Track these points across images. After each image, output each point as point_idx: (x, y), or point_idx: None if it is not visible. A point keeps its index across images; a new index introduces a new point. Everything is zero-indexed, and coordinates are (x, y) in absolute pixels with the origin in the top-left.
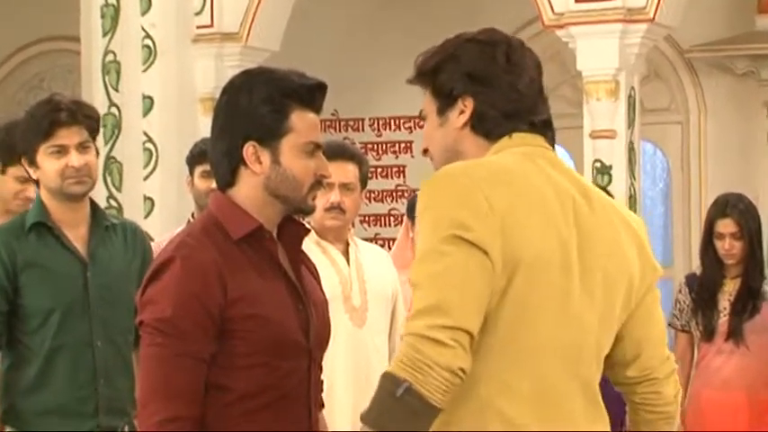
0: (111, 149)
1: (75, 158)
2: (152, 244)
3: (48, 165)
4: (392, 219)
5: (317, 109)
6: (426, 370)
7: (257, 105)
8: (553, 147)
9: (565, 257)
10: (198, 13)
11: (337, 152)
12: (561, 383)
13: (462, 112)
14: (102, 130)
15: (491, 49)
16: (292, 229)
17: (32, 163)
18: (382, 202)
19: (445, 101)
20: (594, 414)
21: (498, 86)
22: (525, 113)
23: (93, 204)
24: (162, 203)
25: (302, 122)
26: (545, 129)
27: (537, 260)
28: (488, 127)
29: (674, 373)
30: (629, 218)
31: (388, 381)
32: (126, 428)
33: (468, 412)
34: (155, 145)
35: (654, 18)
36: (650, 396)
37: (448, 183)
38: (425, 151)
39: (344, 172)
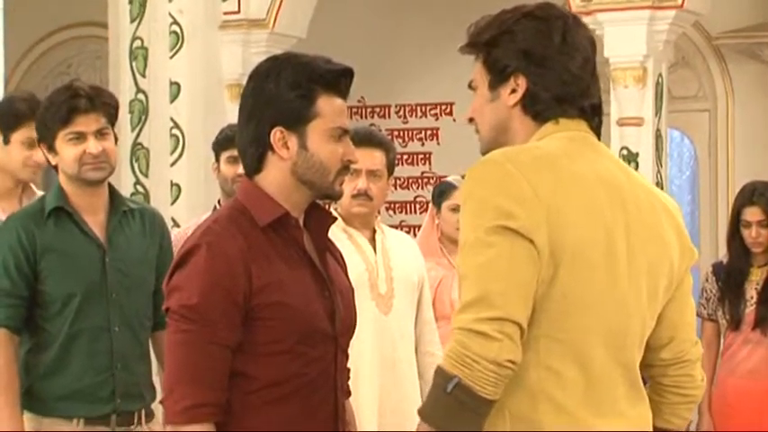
0: (138, 135)
1: (93, 145)
2: (178, 230)
3: (66, 151)
4: (418, 206)
5: (343, 94)
6: (473, 365)
7: (284, 91)
8: (598, 132)
9: (610, 243)
10: (225, 0)
11: (365, 139)
12: (606, 369)
13: (514, 90)
14: (129, 116)
15: (547, 26)
16: (319, 217)
17: (51, 149)
18: (408, 189)
19: (498, 76)
20: (636, 397)
21: (552, 67)
22: (577, 98)
23: (112, 189)
24: (189, 189)
25: (329, 107)
26: (593, 114)
27: (582, 246)
28: (539, 109)
29: (701, 357)
30: (667, 202)
31: (440, 376)
32: (143, 412)
33: (517, 400)
34: (181, 131)
35: (682, 5)
36: (682, 379)
37: (492, 170)
38: (471, 120)
39: (372, 159)
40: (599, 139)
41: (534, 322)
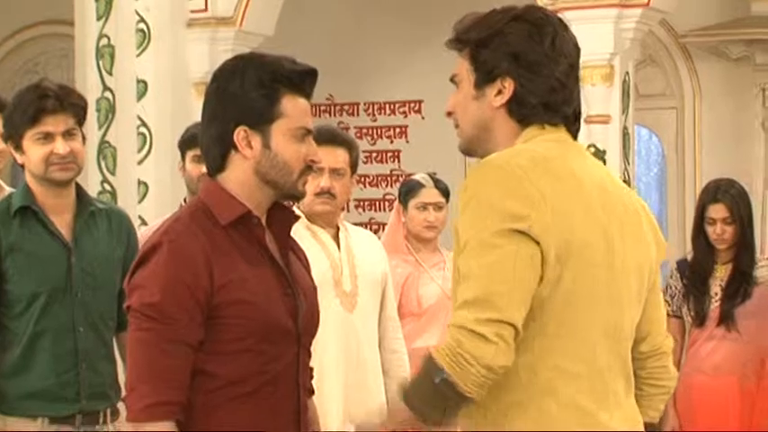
0: (104, 134)
1: (60, 146)
2: (145, 228)
3: (33, 151)
4: (387, 204)
5: (307, 94)
6: (465, 365)
7: (248, 90)
8: (575, 137)
9: (608, 243)
10: None
11: (327, 137)
12: (608, 363)
13: (500, 92)
14: (96, 114)
15: (538, 30)
16: (281, 216)
17: (18, 148)
18: (377, 186)
19: (485, 76)
20: (629, 389)
21: (541, 73)
22: (561, 105)
23: (80, 189)
24: (156, 188)
25: (293, 107)
26: (575, 121)
27: (584, 246)
28: (525, 113)
29: (672, 349)
30: (640, 201)
31: (430, 365)
32: (108, 412)
33: (527, 396)
34: (149, 129)
35: (648, 3)
36: (658, 370)
37: (498, 173)
38: (449, 114)
39: (334, 157)
40: (576, 140)
41: (540, 320)
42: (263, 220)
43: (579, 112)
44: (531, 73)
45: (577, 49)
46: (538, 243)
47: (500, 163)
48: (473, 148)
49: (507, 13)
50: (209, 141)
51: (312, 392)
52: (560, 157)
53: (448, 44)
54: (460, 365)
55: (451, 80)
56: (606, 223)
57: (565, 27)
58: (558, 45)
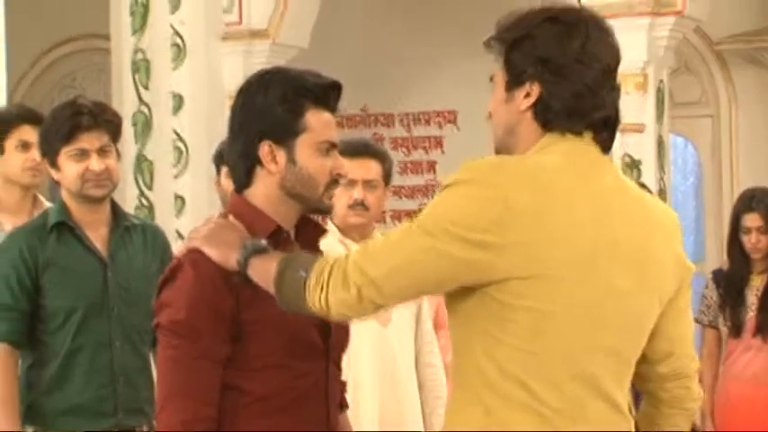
0: (141, 148)
1: (95, 162)
2: (182, 243)
3: (68, 168)
4: None
5: (332, 108)
6: (317, 286)
7: (272, 105)
8: (609, 144)
9: (590, 261)
10: (227, 11)
11: (359, 149)
12: (582, 391)
13: (528, 95)
14: (132, 129)
15: (568, 32)
16: (309, 230)
17: (54, 165)
18: (412, 198)
19: (514, 79)
20: (617, 411)
21: (568, 77)
22: (589, 111)
23: (114, 205)
24: (193, 202)
25: (317, 121)
26: (605, 127)
27: (558, 268)
28: (549, 117)
29: (698, 371)
30: (665, 215)
31: (311, 260)
32: (144, 428)
33: (493, 401)
34: (185, 143)
35: (682, 11)
36: (680, 392)
37: (475, 174)
38: (490, 116)
39: (367, 169)
40: (608, 150)
41: (502, 330)
42: (292, 235)
43: (615, 120)
44: (558, 77)
45: (616, 54)
46: (488, 253)
47: (479, 176)
48: (502, 152)
49: (541, 13)
50: (235, 157)
51: (345, 407)
52: (556, 170)
53: (486, 44)
54: (317, 281)
55: (491, 79)
56: (592, 242)
57: (602, 29)
58: (588, 49)
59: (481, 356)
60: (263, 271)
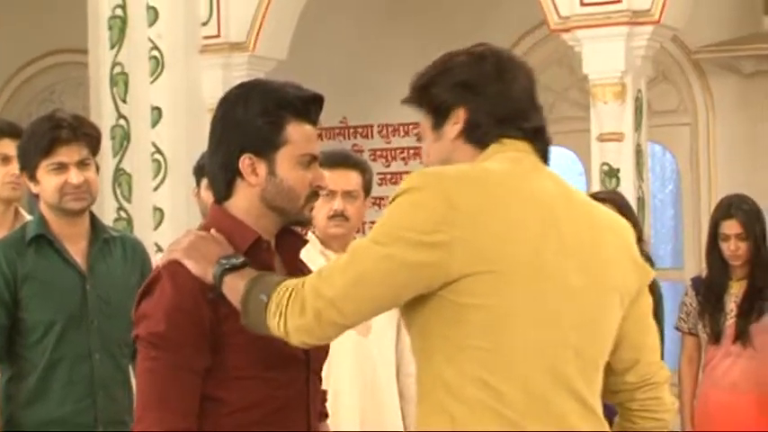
0: (120, 161)
1: (74, 176)
2: (161, 255)
3: (47, 181)
4: None
5: (312, 121)
6: (277, 313)
7: (253, 117)
8: (544, 155)
9: (537, 260)
10: (205, 24)
11: (339, 160)
12: (548, 386)
13: (456, 123)
14: (110, 142)
15: (480, 59)
16: (289, 241)
17: (32, 178)
18: None
19: (439, 114)
20: (588, 416)
21: (489, 94)
22: (516, 119)
23: (93, 218)
24: (172, 214)
25: (298, 134)
26: (536, 136)
27: (505, 262)
28: (479, 134)
29: (669, 380)
30: (614, 220)
31: (272, 283)
32: None
33: (459, 409)
34: (163, 156)
35: (659, 20)
36: (650, 402)
37: (418, 182)
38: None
39: (347, 180)
40: (546, 162)
41: (459, 332)
42: (272, 245)
43: (543, 129)
44: (479, 95)
45: (530, 78)
46: (439, 252)
47: (422, 183)
48: None
49: (451, 54)
50: (216, 168)
51: (325, 416)
52: (505, 174)
53: (404, 102)
54: (276, 307)
55: (418, 139)
56: (539, 241)
57: (513, 58)
58: (502, 68)
59: (442, 363)
60: (234, 289)
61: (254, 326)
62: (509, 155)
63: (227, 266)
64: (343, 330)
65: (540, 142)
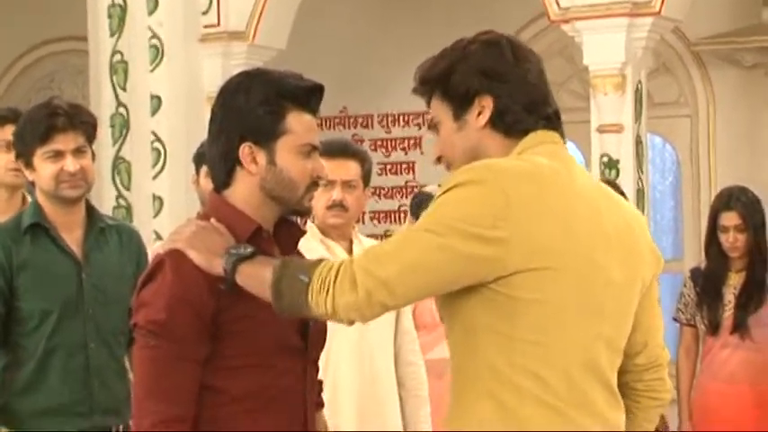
0: (119, 149)
1: (70, 163)
2: (160, 243)
3: (43, 169)
4: (402, 215)
5: (313, 110)
6: (322, 290)
7: (254, 106)
8: (564, 140)
9: (589, 255)
10: (205, 13)
11: (338, 150)
12: (585, 374)
13: (481, 112)
14: (110, 130)
15: (496, 46)
16: (288, 230)
17: (29, 165)
18: (392, 198)
19: (461, 103)
20: (614, 402)
21: (513, 80)
22: (542, 105)
23: (89, 206)
24: (171, 202)
25: (298, 124)
26: (558, 121)
27: (561, 260)
28: (509, 122)
29: (670, 361)
30: (632, 208)
31: (312, 265)
32: (120, 428)
33: (505, 394)
34: (163, 144)
35: (660, 11)
36: (655, 383)
37: (472, 175)
38: (439, 159)
39: (346, 170)
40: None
41: (512, 325)
42: (271, 235)
43: (559, 113)
44: (504, 82)
45: (540, 61)
46: (496, 247)
47: (477, 177)
48: None
49: (460, 43)
50: (216, 157)
51: (322, 406)
52: (554, 169)
53: (415, 91)
54: (322, 285)
55: (430, 127)
56: (590, 236)
57: (517, 41)
58: (518, 54)
59: (492, 354)
60: (255, 277)
61: (290, 308)
62: (548, 147)
63: (238, 257)
64: (386, 311)
65: (561, 129)
